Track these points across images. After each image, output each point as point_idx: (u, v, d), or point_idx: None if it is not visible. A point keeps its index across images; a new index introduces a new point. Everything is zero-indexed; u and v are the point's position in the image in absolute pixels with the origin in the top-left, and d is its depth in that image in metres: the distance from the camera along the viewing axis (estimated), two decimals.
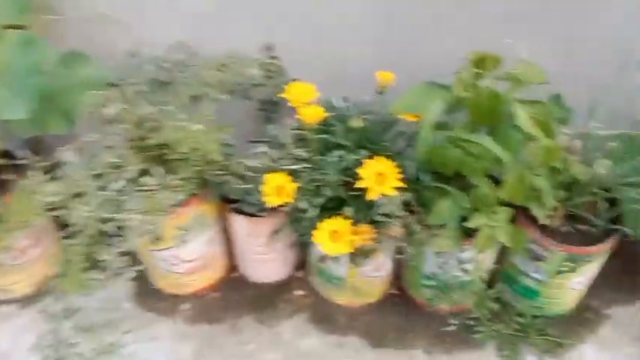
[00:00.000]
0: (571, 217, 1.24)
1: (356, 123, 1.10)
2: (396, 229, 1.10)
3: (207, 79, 1.19)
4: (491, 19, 1.27)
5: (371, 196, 0.98)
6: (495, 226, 1.09)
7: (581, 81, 1.24)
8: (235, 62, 1.28)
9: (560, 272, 1.22)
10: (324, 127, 1.14)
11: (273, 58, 1.38)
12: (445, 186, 1.08)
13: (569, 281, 1.25)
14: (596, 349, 1.34)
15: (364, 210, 1.08)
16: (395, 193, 0.98)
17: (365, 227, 1.03)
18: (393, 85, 1.14)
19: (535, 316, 1.35)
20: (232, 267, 1.51)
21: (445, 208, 1.09)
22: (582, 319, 1.39)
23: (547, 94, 1.31)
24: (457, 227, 1.11)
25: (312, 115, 1.04)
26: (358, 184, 0.98)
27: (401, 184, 0.99)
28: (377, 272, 1.31)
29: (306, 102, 1.08)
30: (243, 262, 1.46)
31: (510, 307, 1.37)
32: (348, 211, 1.06)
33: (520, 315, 1.35)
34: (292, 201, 1.02)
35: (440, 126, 1.13)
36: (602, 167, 1.19)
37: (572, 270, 1.21)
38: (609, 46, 1.27)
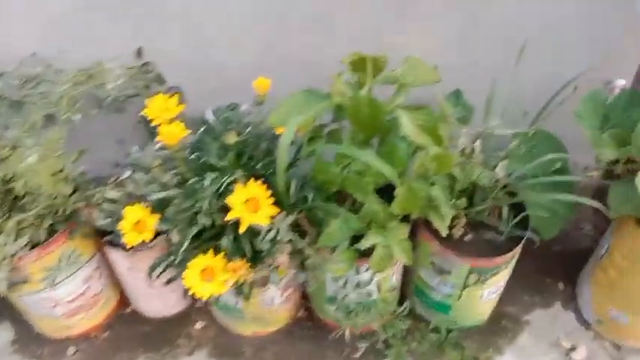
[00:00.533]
0: (476, 225, 1.17)
1: (230, 139, 0.98)
2: (283, 258, 0.99)
3: (64, 95, 1.04)
4: (380, 15, 1.18)
5: (243, 227, 0.86)
6: (390, 244, 1.00)
7: (482, 75, 1.17)
8: (101, 72, 1.14)
9: (468, 285, 1.14)
10: (198, 144, 1.02)
11: (145, 65, 1.25)
12: (331, 205, 0.98)
13: (480, 292, 1.17)
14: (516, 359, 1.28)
15: (246, 239, 0.97)
16: (268, 221, 0.87)
17: (239, 263, 0.91)
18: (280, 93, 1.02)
19: (450, 330, 1.27)
20: (123, 302, 1.36)
21: (335, 229, 0.98)
22: (499, 328, 1.32)
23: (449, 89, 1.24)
24: (350, 248, 1.02)
25: (172, 134, 0.91)
26: (229, 215, 0.86)
27: (276, 211, 0.88)
28: (278, 300, 1.20)
29: (169, 118, 0.96)
30: (134, 296, 1.31)
31: (424, 322, 1.29)
32: (224, 242, 0.94)
33: (434, 330, 1.28)
34: (151, 236, 0.89)
35: (326, 137, 1.04)
36: (502, 169, 1.12)
37: (481, 282, 1.14)
38: (505, 34, 1.22)
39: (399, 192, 0.97)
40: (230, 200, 0.85)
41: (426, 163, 0.98)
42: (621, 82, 1.03)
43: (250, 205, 0.87)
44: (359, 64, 0.96)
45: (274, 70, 1.06)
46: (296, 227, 1.03)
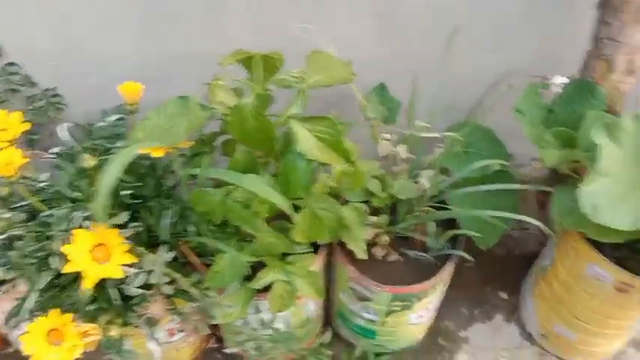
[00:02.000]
0: (402, 242, 1.01)
1: (87, 162, 0.79)
2: (158, 305, 0.81)
3: None
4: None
5: (86, 284, 0.67)
6: (292, 279, 0.83)
7: (410, 68, 1.00)
8: None
9: (392, 312, 0.99)
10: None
11: (10, 65, 1.04)
12: (215, 239, 0.80)
13: (407, 318, 1.02)
14: None
15: (112, 284, 0.78)
16: (120, 274, 0.68)
17: (88, 326, 0.73)
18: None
19: (378, 354, 1.13)
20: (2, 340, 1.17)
21: (223, 266, 0.81)
22: (436, 347, 1.19)
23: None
24: (245, 286, 0.84)
25: (7, 162, 0.71)
26: (66, 268, 0.67)
27: (131, 259, 0.69)
28: (174, 337, 1.03)
29: (8, 140, 0.76)
30: (12, 336, 1.12)
31: (350, 347, 1.14)
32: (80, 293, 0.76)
33: (362, 357, 1.13)
34: None
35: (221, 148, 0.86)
36: (426, 179, 0.96)
37: (406, 308, 0.99)
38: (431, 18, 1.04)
39: (299, 219, 0.80)
40: (67, 250, 0.66)
41: (332, 182, 0.81)
42: (560, 80, 0.87)
43: (99, 252, 0.68)
44: (249, 64, 0.78)
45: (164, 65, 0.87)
46: (182, 262, 0.86)
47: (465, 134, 1.12)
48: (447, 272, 0.95)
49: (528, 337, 1.20)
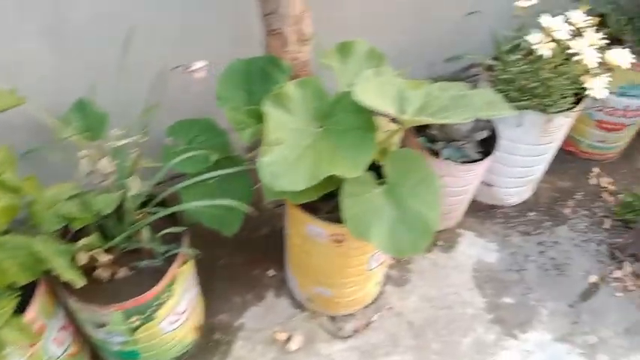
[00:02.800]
0: (131, 254, 0.99)
1: None
2: None
3: None
4: None
5: None
6: None
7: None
8: None
9: (137, 328, 0.96)
10: None
11: None
12: None
13: (157, 328, 1.00)
14: None
15: None
16: None
17: None
18: None
19: None
20: None
21: None
22: (212, 344, 1.18)
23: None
24: None
25: None
26: None
27: None
28: None
29: None
30: None
31: None
32: None
33: None
34: None
35: None
36: (134, 184, 0.94)
37: (149, 319, 0.96)
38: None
39: None
40: None
41: None
42: (200, 64, 0.90)
43: None
44: None
45: None
46: None
47: (189, 128, 1.14)
48: (171, 273, 0.94)
49: (299, 304, 1.26)
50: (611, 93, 1.24)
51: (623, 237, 1.45)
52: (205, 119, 1.15)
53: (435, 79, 1.62)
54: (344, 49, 1.03)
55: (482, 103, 0.85)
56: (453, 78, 1.67)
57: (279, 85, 0.99)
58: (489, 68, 1.31)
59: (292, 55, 1.05)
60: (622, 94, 1.46)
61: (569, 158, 1.66)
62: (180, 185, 1.01)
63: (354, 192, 0.89)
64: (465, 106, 0.84)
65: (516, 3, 1.15)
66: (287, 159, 0.86)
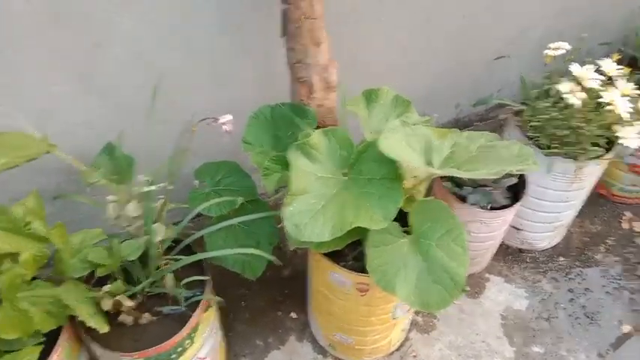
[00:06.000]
0: (156, 299, 0.99)
1: None
2: None
3: None
4: None
5: None
6: None
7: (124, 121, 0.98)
8: None
9: None
10: None
11: None
12: None
13: None
14: None
15: None
16: None
17: None
18: None
19: None
20: None
21: None
22: None
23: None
24: None
25: None
26: None
27: None
28: None
29: None
30: None
31: None
32: None
33: None
34: None
35: None
36: (160, 233, 0.95)
37: None
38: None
39: None
40: None
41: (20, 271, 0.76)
42: (226, 118, 0.91)
43: None
44: None
45: None
46: None
47: (218, 170, 1.15)
48: (194, 320, 0.94)
49: (321, 349, 1.23)
50: None
51: None
52: (231, 162, 1.16)
53: (461, 121, 1.62)
54: (370, 96, 1.03)
55: (511, 156, 0.83)
56: (479, 119, 1.67)
57: (305, 132, 0.99)
58: (517, 113, 1.30)
59: (318, 102, 1.06)
60: None
61: (600, 201, 1.62)
62: (205, 231, 1.01)
63: (380, 241, 0.88)
64: (493, 159, 0.83)
65: (546, 51, 1.15)
66: (312, 209, 0.85)
